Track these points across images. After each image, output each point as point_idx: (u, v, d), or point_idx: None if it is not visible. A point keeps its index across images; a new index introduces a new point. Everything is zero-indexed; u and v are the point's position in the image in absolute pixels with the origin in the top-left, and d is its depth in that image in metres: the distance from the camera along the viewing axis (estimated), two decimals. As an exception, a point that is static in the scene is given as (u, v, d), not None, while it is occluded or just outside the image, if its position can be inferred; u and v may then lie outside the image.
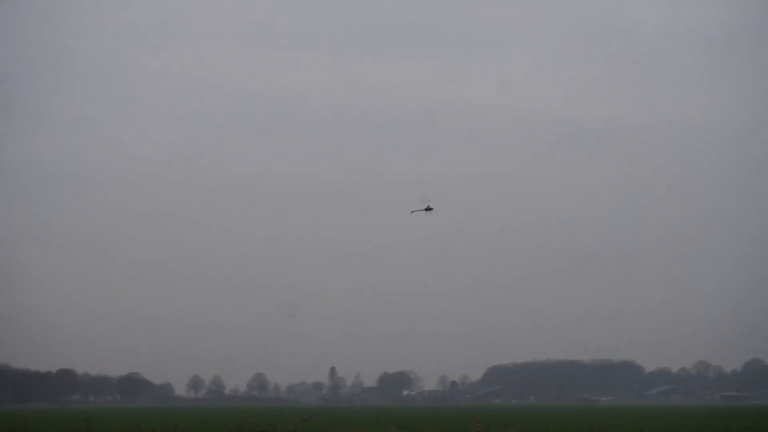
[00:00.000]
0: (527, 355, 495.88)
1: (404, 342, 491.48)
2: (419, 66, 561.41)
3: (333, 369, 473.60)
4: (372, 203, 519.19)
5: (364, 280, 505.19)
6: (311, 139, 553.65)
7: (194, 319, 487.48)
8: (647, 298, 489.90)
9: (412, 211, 78.27)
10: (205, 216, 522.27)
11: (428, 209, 78.13)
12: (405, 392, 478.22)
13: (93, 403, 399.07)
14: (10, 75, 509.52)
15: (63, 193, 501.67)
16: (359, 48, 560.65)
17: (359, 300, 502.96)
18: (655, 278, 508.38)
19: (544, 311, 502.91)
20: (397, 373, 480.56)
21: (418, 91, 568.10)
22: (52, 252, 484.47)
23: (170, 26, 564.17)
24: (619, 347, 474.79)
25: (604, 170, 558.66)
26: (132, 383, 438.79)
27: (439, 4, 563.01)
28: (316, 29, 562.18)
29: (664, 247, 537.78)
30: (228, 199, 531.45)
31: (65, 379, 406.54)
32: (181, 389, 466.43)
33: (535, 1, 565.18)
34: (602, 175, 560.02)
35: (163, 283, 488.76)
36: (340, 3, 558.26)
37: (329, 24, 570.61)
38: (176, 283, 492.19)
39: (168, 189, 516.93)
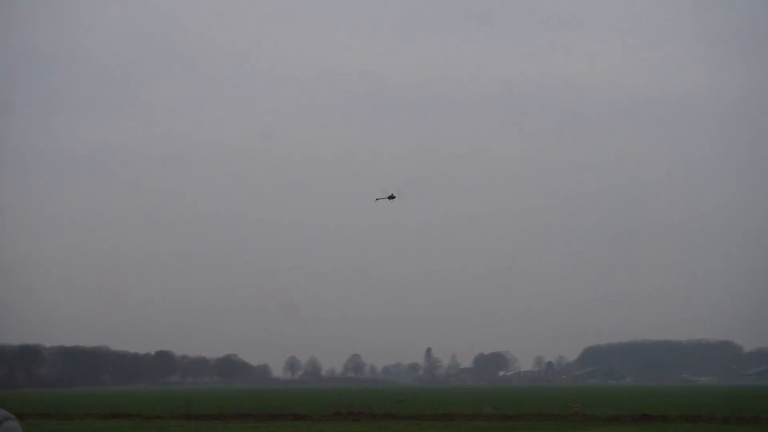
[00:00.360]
0: (624, 335, 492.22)
1: (500, 322, 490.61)
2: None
3: (429, 350, 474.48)
4: (446, 185, 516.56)
5: (459, 260, 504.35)
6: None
7: (291, 301, 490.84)
8: (744, 275, 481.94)
9: (377, 199, 76.85)
10: (290, 203, 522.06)
11: (391, 197, 76.64)
12: (501, 373, 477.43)
13: (191, 385, 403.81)
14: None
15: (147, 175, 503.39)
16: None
17: (454, 280, 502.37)
18: (753, 253, 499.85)
19: (639, 290, 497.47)
20: (493, 353, 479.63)
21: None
22: (155, 238, 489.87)
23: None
24: (717, 327, 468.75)
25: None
26: (229, 365, 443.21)
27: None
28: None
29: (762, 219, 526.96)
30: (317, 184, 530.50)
31: (164, 360, 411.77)
32: (278, 371, 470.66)
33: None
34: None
35: (259, 268, 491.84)
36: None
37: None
38: (273, 268, 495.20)
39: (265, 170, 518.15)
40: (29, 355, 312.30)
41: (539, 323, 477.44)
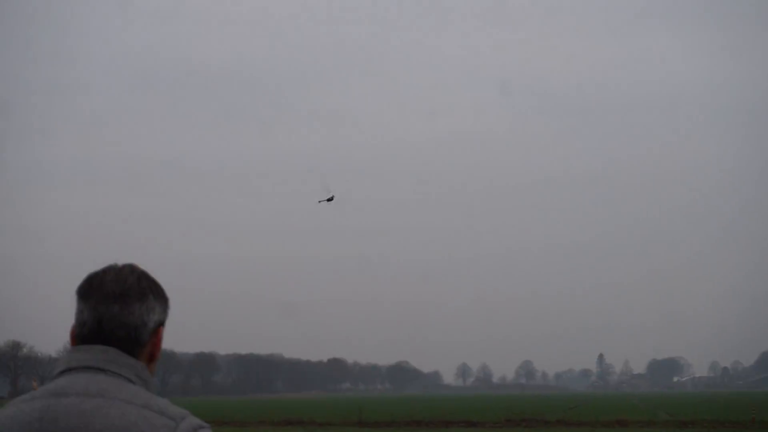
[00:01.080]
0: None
1: (673, 327, 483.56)
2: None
3: (601, 356, 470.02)
4: (620, 189, 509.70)
5: (629, 265, 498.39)
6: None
7: (462, 307, 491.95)
8: None
9: (319, 201, 74.11)
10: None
11: (330, 199, 73.55)
12: (675, 378, 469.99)
13: (363, 391, 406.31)
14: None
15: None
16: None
17: (626, 286, 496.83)
18: None
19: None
20: (667, 359, 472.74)
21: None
22: (320, 245, 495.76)
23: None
24: None
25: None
26: (400, 372, 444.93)
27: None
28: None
29: None
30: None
31: (336, 367, 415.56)
32: (449, 377, 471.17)
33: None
34: None
35: (432, 273, 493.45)
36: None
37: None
38: (445, 273, 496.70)
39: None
40: (205, 362, 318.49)
41: (714, 327, 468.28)
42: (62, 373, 3.10)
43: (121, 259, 3.01)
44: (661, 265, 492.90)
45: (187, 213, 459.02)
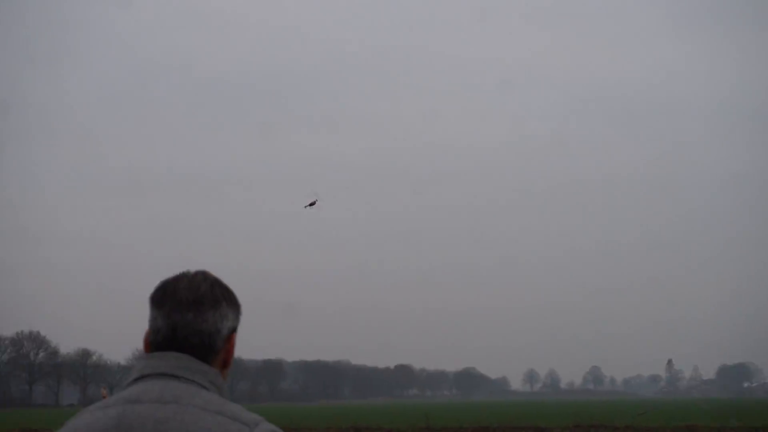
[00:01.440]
0: None
1: (744, 331, 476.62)
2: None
3: (670, 361, 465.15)
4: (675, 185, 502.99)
5: (697, 269, 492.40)
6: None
7: (529, 312, 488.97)
8: None
9: (305, 206, 70.91)
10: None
11: (312, 204, 70.06)
12: (745, 384, 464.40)
13: (430, 398, 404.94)
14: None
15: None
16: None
17: (694, 288, 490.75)
18: None
19: None
20: (737, 364, 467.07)
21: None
22: (391, 253, 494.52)
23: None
24: None
25: None
26: (468, 378, 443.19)
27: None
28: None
29: None
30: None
31: (403, 374, 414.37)
32: (516, 383, 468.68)
33: None
34: None
35: (498, 277, 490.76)
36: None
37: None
38: (510, 277, 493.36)
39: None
40: (272, 369, 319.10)
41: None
42: (136, 380, 3.14)
43: (194, 268, 3.15)
44: (731, 268, 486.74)
45: (232, 220, 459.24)
